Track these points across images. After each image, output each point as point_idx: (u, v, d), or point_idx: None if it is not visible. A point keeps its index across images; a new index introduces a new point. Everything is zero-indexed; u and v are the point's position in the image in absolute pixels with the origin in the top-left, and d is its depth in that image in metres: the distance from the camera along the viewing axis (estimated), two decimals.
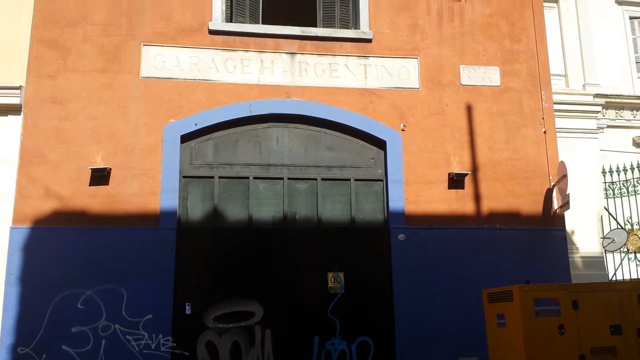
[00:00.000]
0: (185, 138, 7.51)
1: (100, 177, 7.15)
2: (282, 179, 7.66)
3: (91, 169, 7.11)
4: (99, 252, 6.98)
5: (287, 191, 7.63)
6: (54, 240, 6.94)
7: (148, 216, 7.19)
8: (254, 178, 7.60)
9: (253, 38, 7.90)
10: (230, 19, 8.06)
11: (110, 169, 7.19)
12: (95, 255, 6.96)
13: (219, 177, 7.53)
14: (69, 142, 7.22)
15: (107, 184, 7.19)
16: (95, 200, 7.14)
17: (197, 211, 7.47)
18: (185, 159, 7.52)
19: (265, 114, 7.73)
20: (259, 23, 8.21)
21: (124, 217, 7.16)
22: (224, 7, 8.05)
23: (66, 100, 7.33)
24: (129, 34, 7.63)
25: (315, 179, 7.74)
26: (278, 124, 7.80)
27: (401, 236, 7.58)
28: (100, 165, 7.16)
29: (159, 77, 7.57)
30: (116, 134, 7.33)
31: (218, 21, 7.86)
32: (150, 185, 7.25)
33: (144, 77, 7.54)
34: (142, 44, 7.62)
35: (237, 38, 7.86)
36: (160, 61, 7.61)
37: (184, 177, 7.47)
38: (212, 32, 7.79)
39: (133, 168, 7.27)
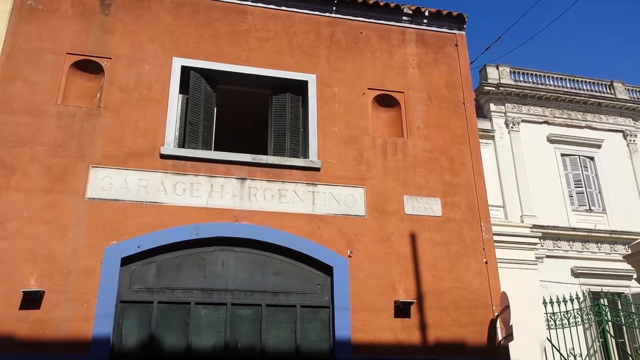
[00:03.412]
0: (126, 261, 7.30)
1: (32, 300, 6.78)
2: (225, 304, 7.44)
3: (23, 291, 6.75)
4: None
5: (230, 318, 7.38)
6: None
7: (79, 343, 6.77)
8: (196, 303, 7.35)
9: (204, 163, 8.07)
10: (182, 144, 8.27)
11: (44, 292, 6.85)
12: None
13: (159, 302, 7.25)
14: (2, 263, 6.90)
15: (39, 308, 6.81)
16: (24, 325, 6.71)
17: (132, 339, 7.08)
18: (124, 282, 7.26)
19: (212, 237, 7.68)
20: (211, 149, 8.44)
21: (53, 343, 6.71)
22: (177, 134, 8.29)
23: (5, 220, 7.12)
24: (78, 156, 7.67)
25: (260, 305, 7.56)
26: (224, 248, 7.74)
27: None
28: (34, 287, 6.82)
29: (105, 199, 7.52)
30: (53, 256, 7.07)
31: (170, 146, 8.04)
32: (84, 310, 6.90)
33: (89, 198, 7.47)
34: (91, 165, 7.65)
35: (189, 163, 8.01)
36: (108, 183, 7.60)
37: (121, 301, 7.16)
38: (164, 157, 7.93)
39: (67, 291, 6.95)
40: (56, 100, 7.95)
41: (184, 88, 8.57)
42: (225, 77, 8.89)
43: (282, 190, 8.19)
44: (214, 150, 8.49)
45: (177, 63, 8.57)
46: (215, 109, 8.93)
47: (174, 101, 8.35)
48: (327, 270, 7.93)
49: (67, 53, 8.27)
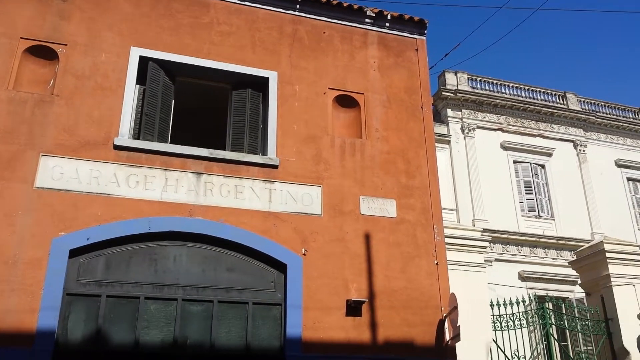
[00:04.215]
0: (74, 253, 7.12)
1: None
2: (176, 300, 7.35)
3: None
4: None
5: (180, 313, 7.30)
6: None
7: (22, 336, 6.57)
8: (145, 298, 7.23)
9: (159, 156, 7.94)
10: (138, 136, 8.11)
11: None
12: None
13: (107, 296, 7.10)
14: None
15: None
16: None
17: (78, 332, 6.92)
18: (71, 275, 7.08)
19: (165, 232, 7.57)
20: (167, 142, 8.31)
21: None
22: (132, 125, 8.13)
23: None
24: (28, 143, 7.43)
25: (212, 301, 7.50)
26: (177, 243, 7.64)
27: None
28: None
29: (55, 189, 7.31)
30: None
31: (125, 137, 7.88)
32: (28, 302, 6.69)
33: (38, 188, 7.25)
34: (41, 154, 7.43)
35: (143, 155, 7.87)
36: (58, 172, 7.39)
37: (68, 294, 6.98)
38: (118, 148, 7.77)
39: (12, 282, 6.72)
40: (7, 86, 7.68)
41: (141, 79, 8.41)
42: (184, 70, 8.78)
43: (238, 187, 8.15)
44: (170, 143, 8.37)
45: (135, 53, 8.42)
46: (173, 101, 8.80)
47: (131, 91, 8.20)
48: (281, 267, 7.93)
49: (21, 38, 8.01)
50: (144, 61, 8.45)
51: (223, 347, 7.35)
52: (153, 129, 8.23)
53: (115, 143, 7.77)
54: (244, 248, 7.86)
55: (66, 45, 8.17)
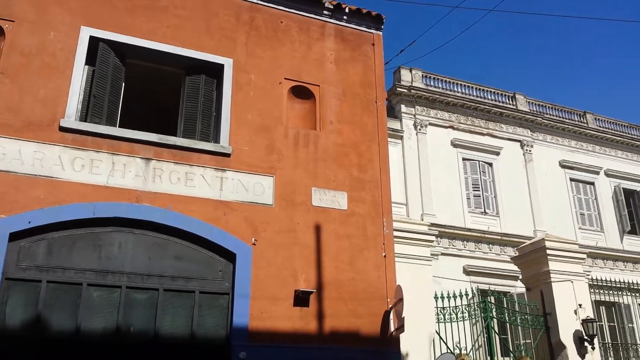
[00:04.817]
0: (14, 236, 6.87)
1: None
2: (120, 287, 7.20)
3: None
4: None
5: (124, 301, 7.16)
6: None
7: None
8: (88, 285, 7.06)
9: (107, 139, 7.74)
10: (85, 118, 7.87)
11: None
12: None
13: (48, 282, 6.89)
14: None
15: None
16: None
17: (16, 318, 6.70)
18: (11, 259, 6.84)
19: (110, 217, 7.39)
20: (115, 126, 8.10)
21: None
22: (79, 106, 7.88)
23: None
24: None
25: (157, 290, 7.39)
26: (123, 229, 7.47)
27: (242, 354, 7.35)
28: None
29: None
30: None
31: (71, 119, 7.63)
32: None
33: None
34: None
35: (90, 138, 7.64)
36: (0, 153, 7.10)
37: (6, 279, 6.74)
38: (63, 130, 7.52)
39: None
40: None
41: (91, 59, 8.16)
42: (136, 52, 8.56)
43: (189, 174, 8.03)
44: (119, 127, 8.16)
45: (86, 33, 8.15)
46: (124, 84, 8.58)
47: (79, 72, 7.94)
48: (230, 257, 7.89)
49: None
50: (94, 41, 8.19)
51: (167, 335, 7.26)
52: (101, 112, 8.00)
53: (61, 125, 7.51)
54: (193, 236, 7.76)
55: (13, 21, 7.83)
